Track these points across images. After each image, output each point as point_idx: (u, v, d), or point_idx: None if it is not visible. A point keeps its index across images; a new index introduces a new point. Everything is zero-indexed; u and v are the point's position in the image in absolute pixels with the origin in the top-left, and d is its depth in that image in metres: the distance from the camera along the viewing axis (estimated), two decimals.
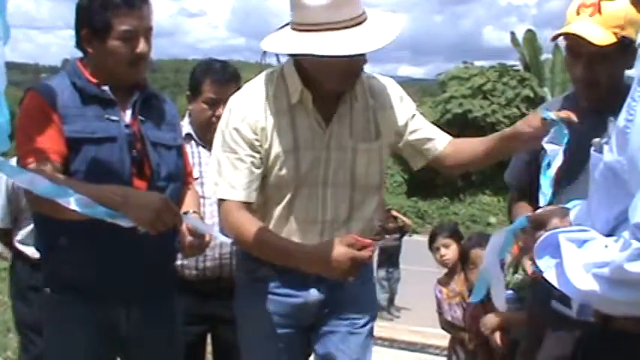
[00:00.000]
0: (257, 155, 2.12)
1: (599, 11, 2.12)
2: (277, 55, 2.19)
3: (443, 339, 4.31)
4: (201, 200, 2.57)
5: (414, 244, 13.43)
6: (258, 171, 2.13)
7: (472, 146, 2.32)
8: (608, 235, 1.34)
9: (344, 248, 1.94)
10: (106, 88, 2.21)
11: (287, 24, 2.08)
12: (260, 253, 2.14)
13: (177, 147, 2.37)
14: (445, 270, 4.08)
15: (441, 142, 2.33)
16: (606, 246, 1.28)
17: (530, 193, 2.45)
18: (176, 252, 2.33)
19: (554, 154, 2.02)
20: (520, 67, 23.80)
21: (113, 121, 2.19)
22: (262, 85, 2.18)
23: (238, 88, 2.85)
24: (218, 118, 2.78)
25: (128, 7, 2.15)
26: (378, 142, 2.23)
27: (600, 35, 2.10)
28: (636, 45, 2.14)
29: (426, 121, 2.37)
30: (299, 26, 2.00)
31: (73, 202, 1.84)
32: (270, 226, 2.16)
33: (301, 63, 2.11)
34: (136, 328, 2.26)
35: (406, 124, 2.29)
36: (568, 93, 2.45)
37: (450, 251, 4.02)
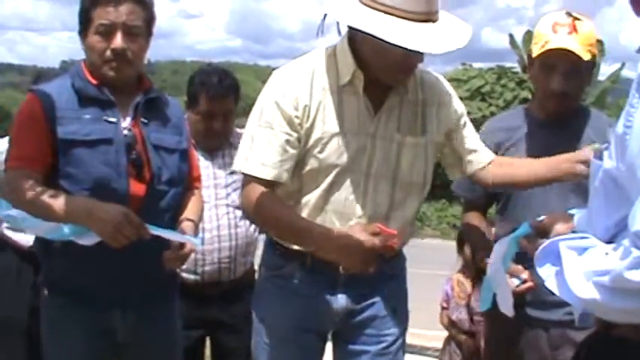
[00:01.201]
0: (294, 134, 1.99)
1: (576, 30, 2.27)
2: (338, 25, 2.02)
3: (442, 341, 4.32)
4: None
5: (413, 247, 13.43)
6: (292, 151, 1.99)
7: (517, 169, 2.23)
8: (609, 242, 1.34)
9: (367, 235, 1.86)
10: (105, 89, 2.20)
11: None
12: (277, 230, 2.06)
13: (182, 150, 2.32)
14: (459, 266, 4.12)
15: (485, 158, 2.23)
16: (606, 254, 1.28)
17: (480, 204, 2.55)
18: None
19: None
20: (518, 69, 23.80)
21: (111, 122, 2.17)
22: (311, 60, 2.05)
23: (237, 99, 2.87)
24: (214, 130, 2.78)
25: (106, 1, 2.14)
26: (425, 137, 2.09)
27: (582, 51, 2.27)
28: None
29: (474, 131, 2.26)
30: (372, 2, 1.86)
31: (38, 230, 1.93)
32: (303, 216, 2.04)
33: (358, 43, 1.98)
34: (132, 332, 2.25)
35: (456, 128, 2.18)
36: (516, 109, 2.65)
37: None
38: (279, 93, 2.00)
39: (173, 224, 2.25)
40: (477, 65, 25.48)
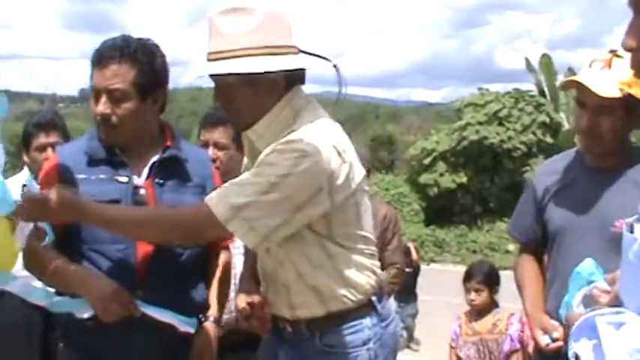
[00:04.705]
0: None
1: (609, 66, 2.17)
2: None
3: None
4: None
5: (433, 274, 13.37)
6: None
7: None
8: None
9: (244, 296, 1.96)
10: (116, 149, 2.17)
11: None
12: None
13: None
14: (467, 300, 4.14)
15: None
16: None
17: (535, 248, 2.47)
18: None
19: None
20: (535, 93, 23.71)
21: (121, 182, 2.15)
22: None
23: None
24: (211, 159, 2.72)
25: (95, 64, 2.12)
26: None
27: (605, 88, 2.13)
28: None
29: None
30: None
31: (42, 301, 2.09)
32: None
33: None
34: None
35: None
36: (577, 149, 2.45)
37: (480, 298, 4.05)
38: None
39: (190, 286, 2.20)
40: (493, 88, 25.51)
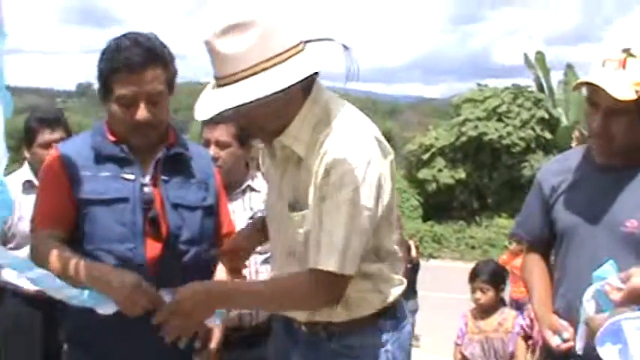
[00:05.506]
0: None
1: (624, 66, 2.10)
2: None
3: None
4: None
5: (433, 270, 13.38)
6: None
7: None
8: None
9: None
10: (123, 146, 2.13)
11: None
12: None
13: (206, 207, 2.23)
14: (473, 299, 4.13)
15: None
16: None
17: (542, 247, 2.44)
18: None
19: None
20: (534, 88, 23.76)
21: (128, 180, 2.11)
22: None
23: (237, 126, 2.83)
24: (213, 158, 2.68)
25: (127, 70, 2.03)
26: None
27: (619, 89, 2.07)
28: None
29: None
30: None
31: (60, 294, 1.93)
32: None
33: None
34: None
35: None
36: (585, 146, 2.40)
37: (486, 297, 4.04)
38: None
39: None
40: (491, 83, 25.57)
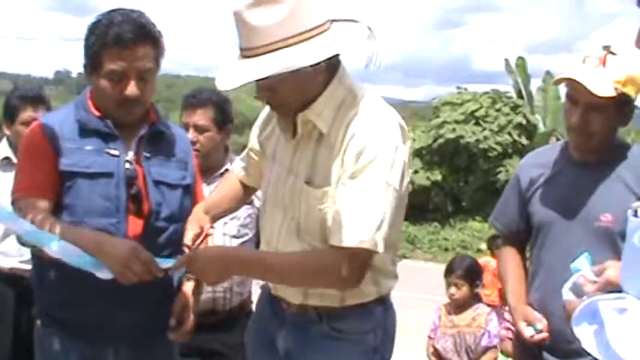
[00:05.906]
0: None
1: (604, 64, 2.14)
2: None
3: None
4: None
5: (405, 270, 13.36)
6: None
7: None
8: None
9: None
10: (108, 121, 2.12)
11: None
12: None
13: (185, 186, 2.24)
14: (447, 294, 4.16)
15: None
16: None
17: (518, 239, 2.46)
18: (175, 290, 2.23)
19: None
20: (513, 94, 23.88)
21: (113, 155, 2.10)
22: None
23: (223, 113, 2.83)
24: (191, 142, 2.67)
25: (119, 46, 2.02)
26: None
27: (599, 86, 2.12)
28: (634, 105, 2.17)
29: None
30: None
31: (55, 249, 1.84)
32: None
33: None
34: None
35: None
36: (563, 142, 2.44)
37: (460, 292, 4.07)
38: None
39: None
40: (471, 88, 25.65)
